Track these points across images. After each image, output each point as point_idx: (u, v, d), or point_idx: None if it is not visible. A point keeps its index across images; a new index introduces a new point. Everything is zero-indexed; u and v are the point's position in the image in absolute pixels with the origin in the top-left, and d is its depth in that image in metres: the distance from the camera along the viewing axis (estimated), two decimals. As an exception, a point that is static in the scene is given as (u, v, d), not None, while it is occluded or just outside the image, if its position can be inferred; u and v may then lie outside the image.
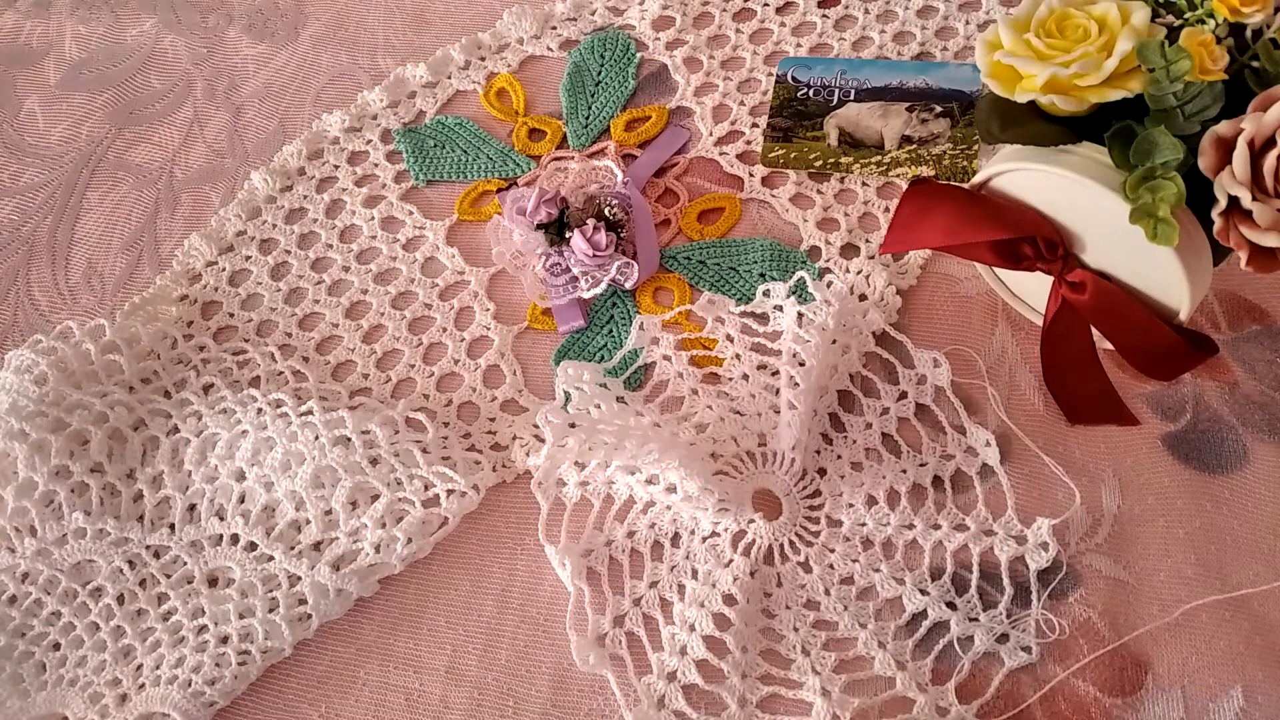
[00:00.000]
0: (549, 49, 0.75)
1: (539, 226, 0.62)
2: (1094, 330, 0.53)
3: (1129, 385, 0.57)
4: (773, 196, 0.66)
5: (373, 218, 0.67)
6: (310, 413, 0.56)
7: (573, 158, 0.68)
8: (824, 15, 0.74)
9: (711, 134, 0.69)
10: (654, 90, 0.72)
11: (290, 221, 0.68)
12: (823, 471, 0.55)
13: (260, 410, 0.56)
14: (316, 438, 0.54)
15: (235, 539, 0.54)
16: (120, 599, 0.53)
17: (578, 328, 0.61)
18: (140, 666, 0.51)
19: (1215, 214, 0.44)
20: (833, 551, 0.53)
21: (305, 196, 0.69)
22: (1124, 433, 0.56)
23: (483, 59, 0.75)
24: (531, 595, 0.53)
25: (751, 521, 0.52)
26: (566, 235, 0.62)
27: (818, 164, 0.66)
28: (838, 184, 0.66)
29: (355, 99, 0.73)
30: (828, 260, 0.63)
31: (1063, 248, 0.51)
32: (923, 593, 0.51)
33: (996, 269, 0.58)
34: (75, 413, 0.56)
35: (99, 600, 0.53)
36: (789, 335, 0.56)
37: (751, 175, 0.67)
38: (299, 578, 0.53)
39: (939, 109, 0.66)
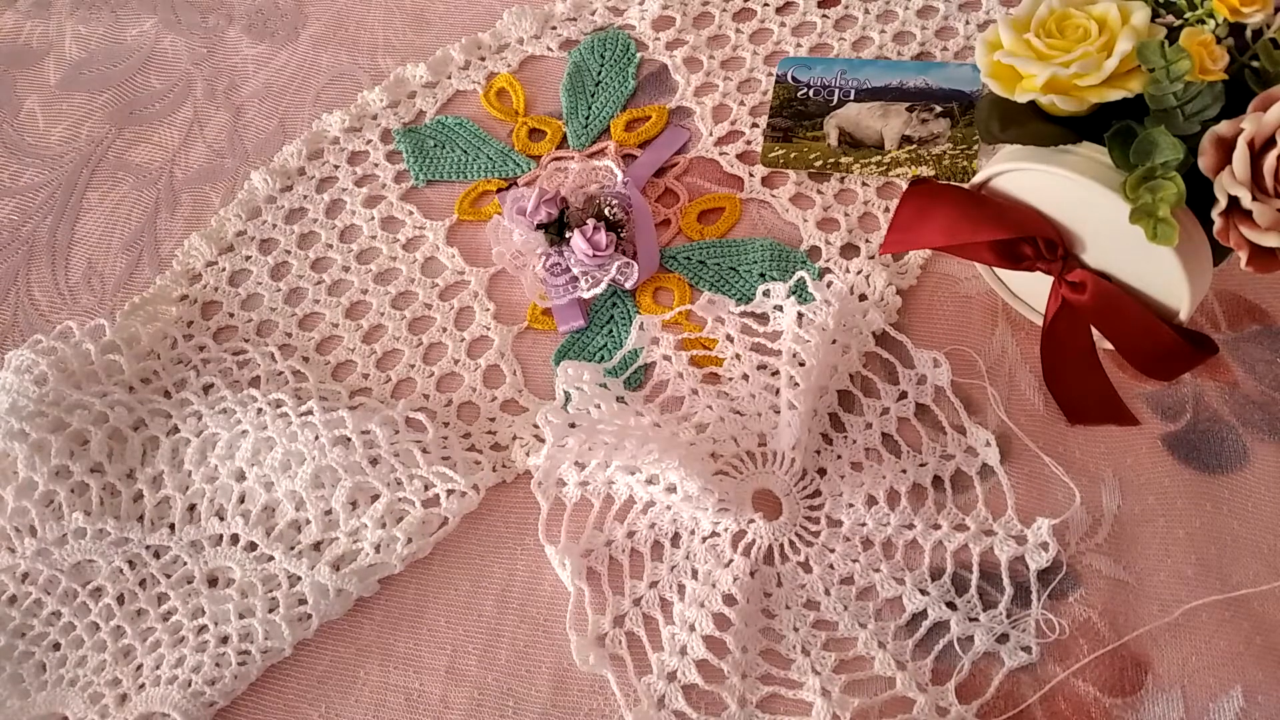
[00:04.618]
0: (549, 49, 0.75)
1: (539, 226, 0.62)
2: (1094, 330, 0.53)
3: (1129, 385, 0.57)
4: (773, 196, 0.66)
5: (373, 218, 0.67)
6: (310, 413, 0.56)
7: (573, 158, 0.68)
8: (824, 15, 0.74)
9: (711, 134, 0.69)
10: (654, 90, 0.72)
11: (290, 221, 0.68)
12: (823, 471, 0.55)
13: (260, 410, 0.56)
14: (316, 438, 0.54)
15: (235, 539, 0.54)
16: (120, 599, 0.53)
17: (578, 328, 0.61)
18: (140, 666, 0.51)
19: (1215, 214, 0.44)
20: (833, 551, 0.53)
21: (305, 196, 0.69)
22: (1124, 433, 0.56)
23: (483, 59, 0.75)
24: (531, 595, 0.53)
25: (751, 521, 0.52)
26: (566, 235, 0.62)
27: (818, 164, 0.66)
28: (838, 184, 0.66)
29: (355, 99, 0.73)
30: (828, 260, 0.63)
31: (1063, 248, 0.51)
32: (923, 593, 0.51)
33: (996, 269, 0.58)
34: (75, 413, 0.56)
35: (99, 600, 0.53)
36: (789, 335, 0.56)
37: (751, 175, 0.67)
38: (299, 578, 0.53)
39: (939, 109, 0.66)
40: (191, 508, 0.55)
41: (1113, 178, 0.46)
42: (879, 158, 0.65)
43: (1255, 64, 0.46)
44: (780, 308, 0.59)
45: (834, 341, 0.56)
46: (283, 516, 0.54)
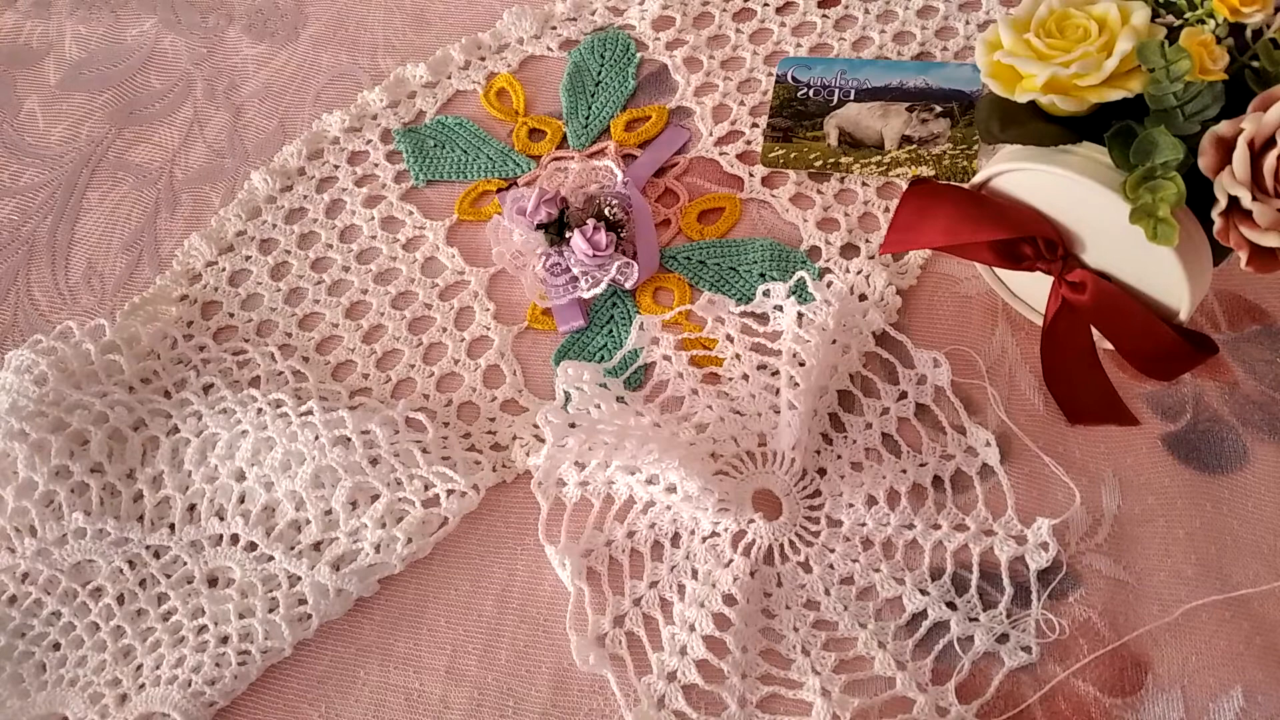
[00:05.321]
0: (549, 49, 0.75)
1: (539, 226, 0.62)
2: (1094, 330, 0.53)
3: (1129, 385, 0.57)
4: (773, 196, 0.66)
5: (373, 218, 0.67)
6: (310, 413, 0.56)
7: (573, 158, 0.68)
8: (824, 15, 0.74)
9: (711, 134, 0.69)
10: (654, 90, 0.72)
11: (290, 221, 0.68)
12: (823, 471, 0.55)
13: (260, 410, 0.56)
14: (316, 438, 0.54)
15: (235, 539, 0.54)
16: (120, 599, 0.53)
17: (578, 328, 0.61)
18: (140, 666, 0.51)
19: (1215, 214, 0.44)
20: (833, 551, 0.53)
21: (305, 196, 0.69)
22: (1124, 433, 0.56)
23: (483, 59, 0.75)
24: (531, 595, 0.53)
25: (751, 521, 0.52)
26: (566, 235, 0.62)
27: (818, 164, 0.66)
28: (838, 184, 0.66)
29: (355, 99, 0.73)
30: (828, 260, 0.63)
31: (1063, 248, 0.51)
32: (923, 593, 0.51)
33: (996, 269, 0.58)
34: (75, 413, 0.56)
35: (99, 600, 0.53)
36: (789, 335, 0.56)
37: (751, 175, 0.67)
38: (299, 578, 0.53)
39: (939, 109, 0.66)
40: (191, 508, 0.55)
41: (1113, 178, 0.46)
42: (879, 158, 0.65)
43: (1255, 64, 0.46)
44: (780, 308, 0.59)
45: (834, 341, 0.56)
46: (283, 516, 0.54)
